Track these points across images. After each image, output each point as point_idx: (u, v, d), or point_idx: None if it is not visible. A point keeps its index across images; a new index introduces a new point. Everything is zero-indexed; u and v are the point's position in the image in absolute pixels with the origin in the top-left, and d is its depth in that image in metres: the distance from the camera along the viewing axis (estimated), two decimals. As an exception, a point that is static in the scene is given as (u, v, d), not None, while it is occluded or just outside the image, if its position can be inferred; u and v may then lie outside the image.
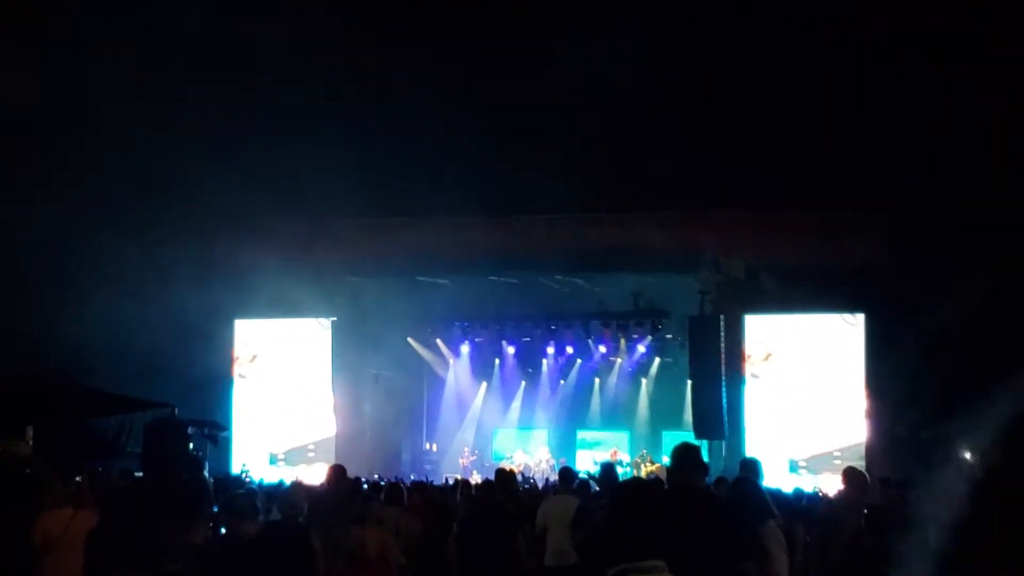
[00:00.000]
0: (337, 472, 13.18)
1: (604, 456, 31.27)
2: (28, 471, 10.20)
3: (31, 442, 22.76)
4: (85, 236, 23.85)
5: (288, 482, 20.67)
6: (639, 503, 4.80)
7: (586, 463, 30.95)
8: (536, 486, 22.41)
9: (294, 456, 29.62)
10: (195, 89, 22.55)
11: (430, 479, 25.33)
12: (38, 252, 24.06)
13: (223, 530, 8.85)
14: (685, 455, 8.17)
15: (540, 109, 24.30)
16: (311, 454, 29.41)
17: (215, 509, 8.63)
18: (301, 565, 8.46)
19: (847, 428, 26.12)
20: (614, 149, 24.97)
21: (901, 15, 21.35)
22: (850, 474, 12.37)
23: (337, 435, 29.10)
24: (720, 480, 14.93)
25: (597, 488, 14.04)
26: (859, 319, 26.44)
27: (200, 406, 26.59)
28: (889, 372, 24.54)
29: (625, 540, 4.65)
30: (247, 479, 24.63)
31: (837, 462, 24.40)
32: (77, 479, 12.02)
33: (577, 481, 15.17)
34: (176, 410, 24.27)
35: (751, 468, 11.29)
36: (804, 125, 22.77)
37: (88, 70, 21.14)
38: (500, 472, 15.33)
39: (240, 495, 9.71)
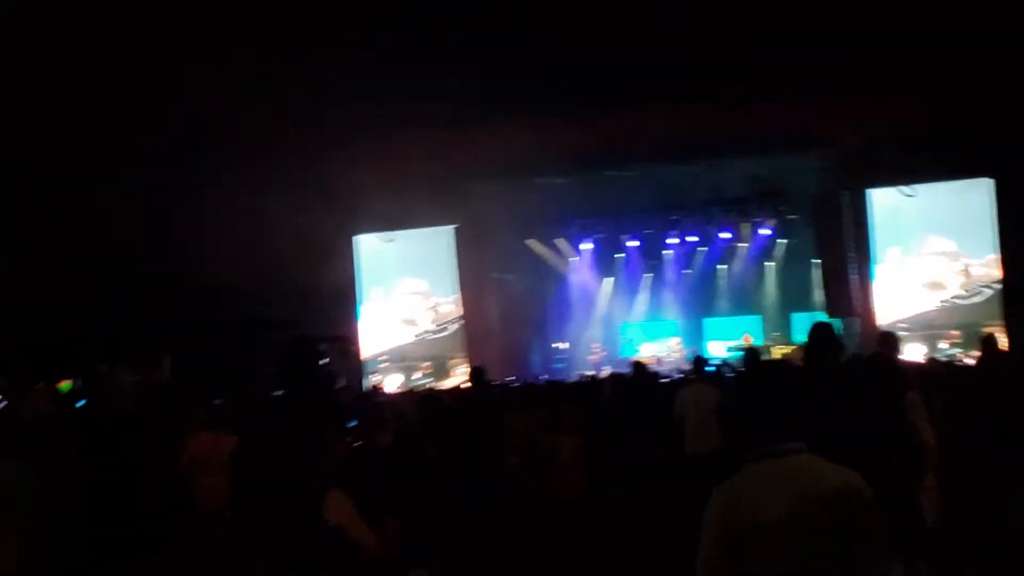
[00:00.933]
0: (478, 374, 13.10)
1: (735, 343, 31.21)
2: (169, 395, 10.42)
3: (168, 370, 23.42)
4: (202, 163, 24.13)
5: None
6: (770, 386, 4.74)
7: (719, 350, 30.89)
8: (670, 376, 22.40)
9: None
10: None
11: (563, 377, 25.47)
12: (158, 183, 24.41)
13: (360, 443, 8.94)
14: (820, 334, 8.13)
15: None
16: (442, 360, 29.81)
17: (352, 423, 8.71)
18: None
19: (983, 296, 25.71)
20: (723, 34, 24.56)
21: None
22: (987, 340, 12.17)
23: (467, 340, 29.38)
24: (856, 357, 14.75)
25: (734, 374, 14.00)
26: (989, 184, 25.75)
27: (327, 322, 26.98)
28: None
29: (759, 424, 4.60)
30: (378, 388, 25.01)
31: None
32: (216, 402, 12.22)
33: (711, 368, 15.20)
34: (305, 329, 24.66)
35: (887, 341, 11.14)
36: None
37: None
38: (637, 364, 15.40)
39: (375, 404, 9.84)
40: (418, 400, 13.33)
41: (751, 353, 13.58)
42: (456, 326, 29.75)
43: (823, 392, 7.48)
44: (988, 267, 25.66)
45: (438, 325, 30.01)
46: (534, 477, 10.72)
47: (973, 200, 25.90)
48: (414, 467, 8.37)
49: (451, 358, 29.66)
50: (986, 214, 25.62)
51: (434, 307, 30.13)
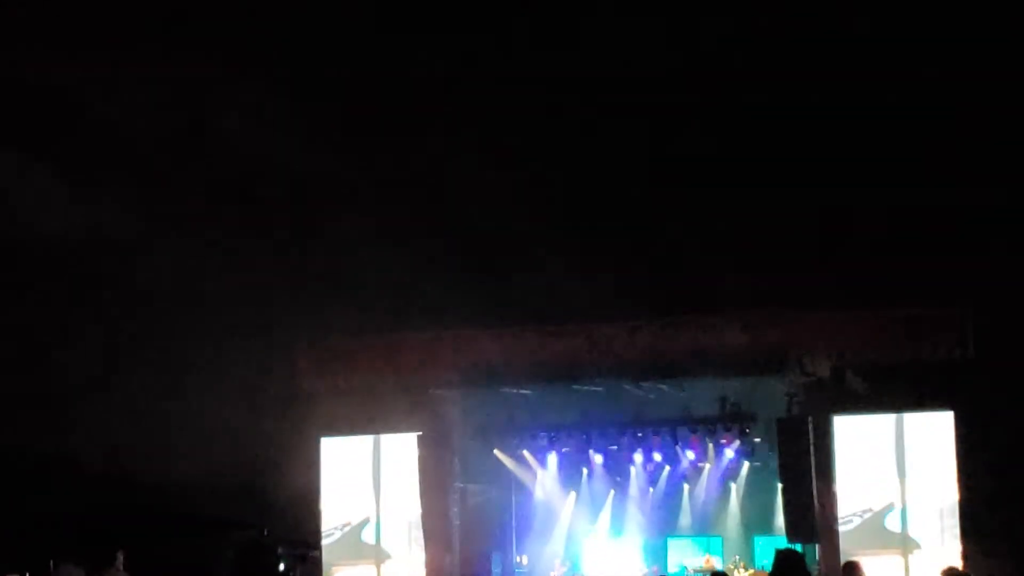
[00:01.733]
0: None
1: (696, 561, 31.00)
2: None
3: (122, 567, 22.98)
4: (164, 363, 24.17)
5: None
6: None
7: (681, 570, 30.74)
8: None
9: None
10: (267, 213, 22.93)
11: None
12: (125, 374, 24.39)
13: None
14: (787, 563, 8.07)
15: (615, 211, 24.42)
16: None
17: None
18: None
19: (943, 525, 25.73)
20: (693, 252, 25.00)
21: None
22: (950, 573, 12.15)
23: (427, 548, 28.98)
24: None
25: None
26: (948, 417, 26.02)
27: (289, 526, 26.71)
28: (981, 470, 24.22)
29: None
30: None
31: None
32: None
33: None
34: (266, 531, 24.40)
35: (851, 571, 11.12)
36: (883, 224, 22.69)
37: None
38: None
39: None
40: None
41: None
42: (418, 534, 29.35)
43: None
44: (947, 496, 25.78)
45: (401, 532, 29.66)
46: None
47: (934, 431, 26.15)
48: None
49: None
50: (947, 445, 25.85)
51: (397, 513, 29.82)
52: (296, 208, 22.89)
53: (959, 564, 22.59)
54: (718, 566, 31.00)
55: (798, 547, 25.57)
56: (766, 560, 29.19)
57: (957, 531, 25.43)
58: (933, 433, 26.25)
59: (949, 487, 25.76)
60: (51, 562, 18.99)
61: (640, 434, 31.46)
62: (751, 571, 28.54)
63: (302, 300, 23.75)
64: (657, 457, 32.89)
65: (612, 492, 34.69)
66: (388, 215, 23.87)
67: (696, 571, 30.99)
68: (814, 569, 25.28)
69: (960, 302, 25.45)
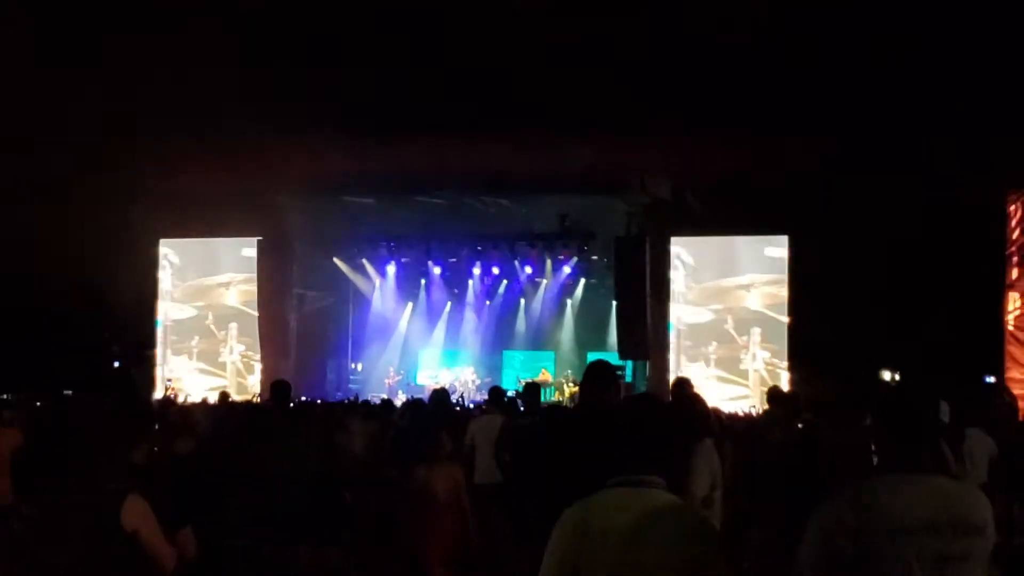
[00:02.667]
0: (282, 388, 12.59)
1: (531, 378, 31.57)
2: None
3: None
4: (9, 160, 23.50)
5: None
6: (643, 418, 4.84)
7: (511, 383, 31.18)
8: (464, 405, 22.52)
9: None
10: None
11: (356, 397, 25.42)
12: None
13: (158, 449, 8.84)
14: (599, 372, 8.13)
15: (467, 29, 24.13)
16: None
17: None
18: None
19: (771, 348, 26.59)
20: (540, 69, 24.85)
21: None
22: (776, 393, 12.55)
23: (262, 354, 29.10)
24: (644, 395, 14.95)
25: (522, 407, 14.11)
26: (782, 240, 26.67)
27: (128, 326, 26.47)
28: (810, 297, 24.93)
29: (631, 453, 4.69)
30: (174, 394, 24.64)
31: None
32: (3, 396, 11.91)
33: (505, 399, 15.33)
34: (104, 332, 24.15)
35: (684, 386, 11.32)
36: (729, 43, 22.74)
37: None
38: (436, 391, 15.42)
39: (173, 412, 9.74)
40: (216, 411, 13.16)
41: (530, 387, 13.63)
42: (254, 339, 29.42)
43: (599, 432, 7.47)
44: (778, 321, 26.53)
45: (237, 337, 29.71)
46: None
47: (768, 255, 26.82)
48: (214, 475, 8.32)
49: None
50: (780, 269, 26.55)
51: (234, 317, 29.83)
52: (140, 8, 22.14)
53: (784, 385, 23.31)
54: (551, 380, 31.62)
55: (626, 364, 26.36)
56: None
57: (785, 352, 26.23)
58: (767, 255, 26.86)
59: (779, 312, 26.47)
60: None
61: (480, 247, 31.79)
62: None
63: (145, 99, 23.10)
64: (495, 271, 33.30)
65: (449, 304, 35.07)
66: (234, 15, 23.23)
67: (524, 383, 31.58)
68: (644, 386, 25.97)
69: (803, 129, 25.78)
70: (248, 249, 29.58)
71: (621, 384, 8.96)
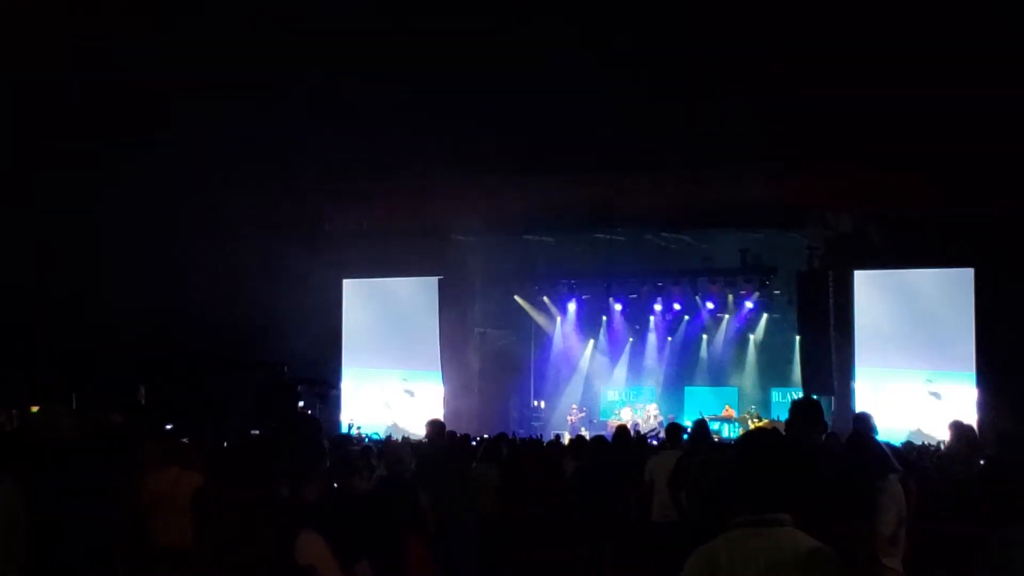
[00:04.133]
0: (436, 427, 13.02)
1: (714, 414, 31.27)
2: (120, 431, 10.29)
3: (143, 400, 23.35)
4: (196, 201, 24.24)
5: (394, 437, 20.93)
6: (766, 453, 4.75)
7: (694, 419, 30.85)
8: (646, 442, 22.40)
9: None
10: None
11: (540, 435, 25.50)
12: (148, 217, 24.48)
13: (336, 486, 8.96)
14: (804, 410, 8.10)
15: (644, 65, 24.17)
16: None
17: (328, 465, 8.71)
18: (409, 521, 8.54)
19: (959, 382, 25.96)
20: (719, 104, 24.76)
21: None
22: (958, 427, 12.22)
23: (445, 392, 29.39)
24: (831, 436, 14.74)
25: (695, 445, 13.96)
26: (969, 274, 26.06)
27: (311, 366, 26.98)
28: (1002, 328, 24.27)
29: (750, 490, 4.61)
30: (358, 435, 24.98)
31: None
32: (184, 440, 12.17)
33: (685, 436, 15.20)
34: (287, 369, 24.64)
35: (864, 422, 11.13)
36: (913, 72, 22.37)
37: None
38: (619, 428, 15.45)
39: (352, 451, 9.84)
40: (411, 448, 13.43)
41: (699, 425, 13.49)
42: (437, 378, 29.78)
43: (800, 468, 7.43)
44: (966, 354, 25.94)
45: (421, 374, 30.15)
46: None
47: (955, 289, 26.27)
48: (393, 512, 8.42)
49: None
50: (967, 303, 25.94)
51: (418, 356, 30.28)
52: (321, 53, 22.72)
53: (974, 418, 22.73)
54: (734, 416, 31.27)
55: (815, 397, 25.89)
56: (781, 410, 29.46)
57: (974, 387, 25.58)
58: (953, 290, 26.32)
59: (967, 344, 25.85)
60: (73, 396, 19.25)
61: (660, 284, 31.65)
62: (765, 421, 28.79)
63: (327, 143, 23.68)
64: (676, 307, 33.11)
65: (631, 340, 34.91)
66: (413, 57, 23.69)
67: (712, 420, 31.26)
68: (828, 422, 25.53)
69: (985, 161, 25.25)
70: (431, 288, 29.92)
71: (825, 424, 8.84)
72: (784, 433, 8.69)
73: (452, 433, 15.42)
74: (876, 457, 9.02)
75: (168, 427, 16.60)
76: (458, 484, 11.52)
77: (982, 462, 10.43)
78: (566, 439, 23.09)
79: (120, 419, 8.06)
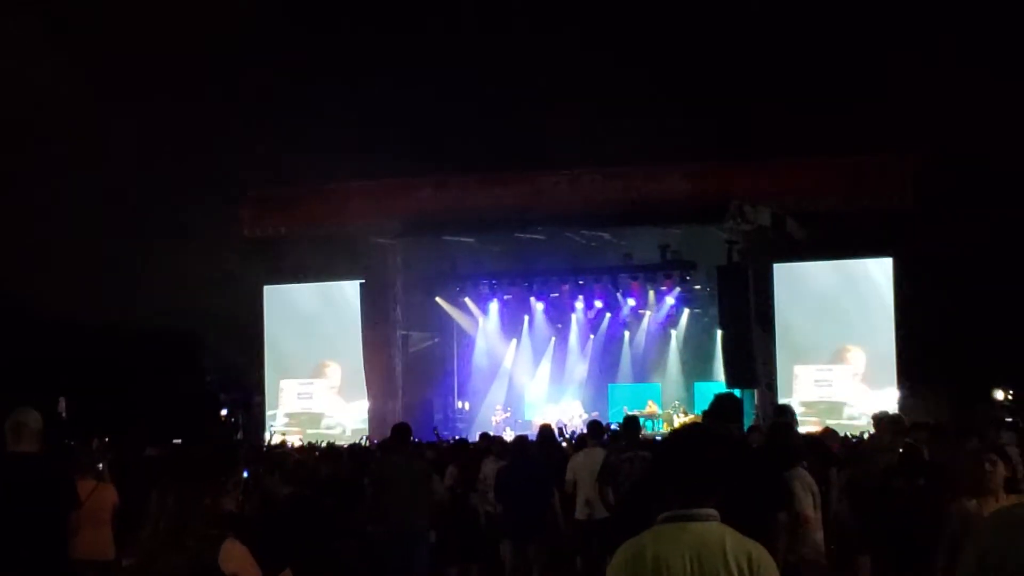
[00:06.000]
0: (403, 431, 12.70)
1: (638, 410, 31.33)
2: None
3: (63, 413, 23.02)
4: (115, 207, 24.00)
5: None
6: (694, 448, 4.73)
7: (618, 416, 30.94)
8: (572, 441, 22.41)
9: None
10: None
11: (465, 437, 25.46)
12: (69, 223, 24.22)
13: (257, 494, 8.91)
14: (723, 403, 8.19)
15: (560, 66, 24.25)
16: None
17: (246, 475, 8.65)
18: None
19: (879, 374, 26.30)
20: (636, 102, 24.89)
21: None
22: (881, 418, 12.33)
23: (369, 395, 29.28)
24: (753, 428, 14.81)
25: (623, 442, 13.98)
26: (886, 264, 26.43)
27: (234, 374, 26.80)
28: (919, 316, 24.59)
29: (677, 485, 4.58)
30: (282, 442, 24.84)
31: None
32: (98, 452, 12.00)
33: (607, 434, 15.20)
34: (208, 378, 24.42)
35: (784, 414, 11.23)
36: (827, 71, 22.64)
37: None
38: (543, 428, 15.44)
39: (273, 456, 9.78)
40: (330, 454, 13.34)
41: (629, 421, 13.53)
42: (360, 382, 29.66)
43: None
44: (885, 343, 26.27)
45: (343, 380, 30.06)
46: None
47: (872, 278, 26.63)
48: (312, 519, 8.36)
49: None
50: (885, 292, 26.30)
51: (340, 361, 30.20)
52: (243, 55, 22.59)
53: (893, 409, 22.97)
54: (658, 412, 31.36)
55: (736, 392, 26.06)
56: (705, 405, 29.61)
57: (893, 376, 25.91)
58: (871, 280, 26.67)
59: (886, 333, 26.19)
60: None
61: (581, 281, 31.66)
62: (691, 416, 28.92)
63: (244, 149, 23.52)
64: (598, 304, 33.15)
65: (553, 339, 34.93)
66: (329, 59, 23.60)
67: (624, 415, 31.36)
68: (751, 414, 25.69)
69: (901, 151, 25.59)
70: (352, 292, 29.80)
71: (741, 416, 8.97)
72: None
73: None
74: (787, 448, 9.12)
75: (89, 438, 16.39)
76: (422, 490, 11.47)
77: (901, 451, 10.55)
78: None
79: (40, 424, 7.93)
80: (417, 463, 12.09)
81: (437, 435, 24.23)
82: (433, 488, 11.87)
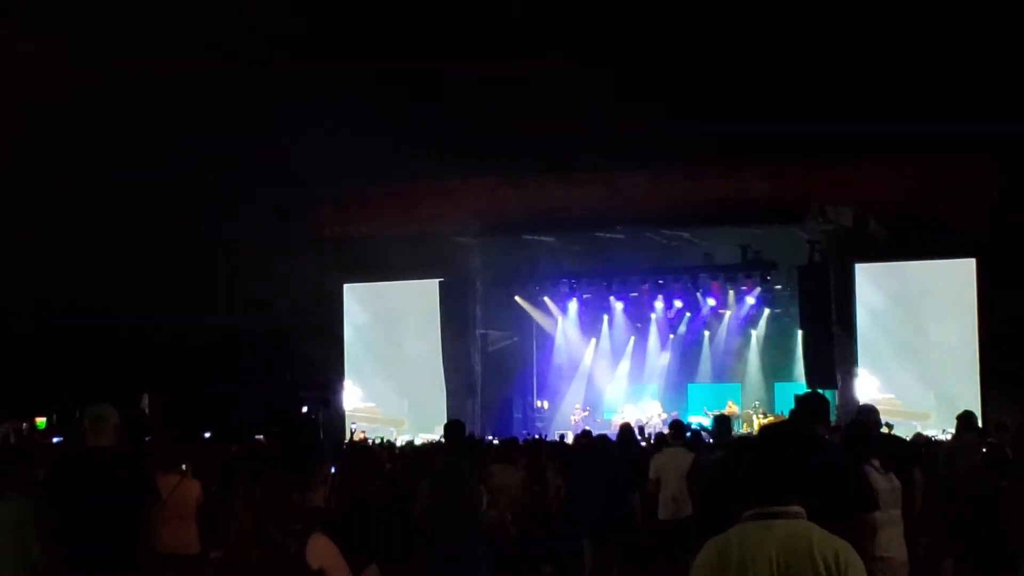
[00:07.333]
0: (456, 428, 12.80)
1: (718, 411, 31.16)
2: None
3: (147, 409, 23.32)
4: (196, 210, 24.27)
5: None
6: (778, 447, 4.74)
7: (698, 416, 30.84)
8: (651, 440, 22.36)
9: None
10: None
11: (543, 436, 25.49)
12: (150, 226, 24.54)
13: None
14: (808, 403, 8.14)
15: (644, 64, 24.22)
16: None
17: (333, 470, 8.71)
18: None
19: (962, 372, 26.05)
20: (715, 102, 24.82)
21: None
22: (966, 418, 12.24)
23: (448, 393, 29.38)
24: (834, 428, 14.72)
25: (711, 440, 13.93)
26: (970, 264, 26.17)
27: (314, 371, 26.99)
28: (1002, 316, 24.32)
29: (762, 483, 4.59)
30: (363, 438, 25.00)
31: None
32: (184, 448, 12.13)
33: (689, 433, 15.17)
34: (289, 375, 24.61)
35: (868, 414, 11.15)
36: (908, 70, 22.45)
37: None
38: (623, 426, 15.43)
39: (360, 454, 9.87)
40: (407, 452, 13.41)
41: (720, 420, 13.51)
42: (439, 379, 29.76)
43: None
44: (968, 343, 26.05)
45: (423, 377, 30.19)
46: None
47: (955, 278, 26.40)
48: (398, 515, 8.42)
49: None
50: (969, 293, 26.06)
51: (420, 358, 30.35)
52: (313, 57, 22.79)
53: (977, 409, 22.73)
54: (737, 412, 31.18)
55: (824, 392, 25.90)
56: (785, 406, 29.40)
57: (977, 377, 25.65)
58: (954, 281, 26.42)
59: (969, 334, 25.94)
60: (77, 408, 19.23)
61: (661, 281, 31.54)
62: (770, 417, 28.74)
63: (323, 149, 23.68)
64: (678, 304, 33.04)
65: (632, 339, 34.83)
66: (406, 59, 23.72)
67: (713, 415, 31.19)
68: (832, 415, 25.54)
69: (982, 151, 25.33)
70: (431, 291, 29.92)
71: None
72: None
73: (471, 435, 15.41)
74: (862, 446, 9.06)
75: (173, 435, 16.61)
76: (473, 487, 11.32)
77: (984, 451, 10.48)
78: (570, 439, 23.05)
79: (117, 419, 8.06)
80: (466, 461, 11.93)
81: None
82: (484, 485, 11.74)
